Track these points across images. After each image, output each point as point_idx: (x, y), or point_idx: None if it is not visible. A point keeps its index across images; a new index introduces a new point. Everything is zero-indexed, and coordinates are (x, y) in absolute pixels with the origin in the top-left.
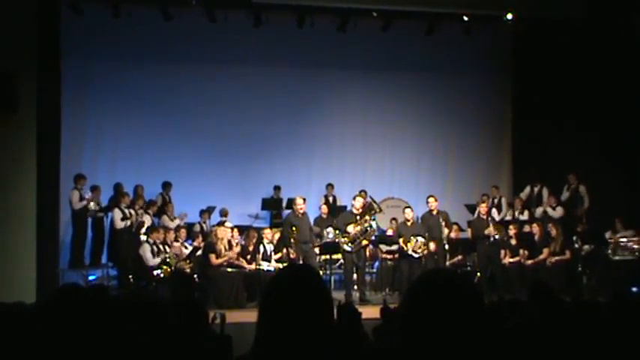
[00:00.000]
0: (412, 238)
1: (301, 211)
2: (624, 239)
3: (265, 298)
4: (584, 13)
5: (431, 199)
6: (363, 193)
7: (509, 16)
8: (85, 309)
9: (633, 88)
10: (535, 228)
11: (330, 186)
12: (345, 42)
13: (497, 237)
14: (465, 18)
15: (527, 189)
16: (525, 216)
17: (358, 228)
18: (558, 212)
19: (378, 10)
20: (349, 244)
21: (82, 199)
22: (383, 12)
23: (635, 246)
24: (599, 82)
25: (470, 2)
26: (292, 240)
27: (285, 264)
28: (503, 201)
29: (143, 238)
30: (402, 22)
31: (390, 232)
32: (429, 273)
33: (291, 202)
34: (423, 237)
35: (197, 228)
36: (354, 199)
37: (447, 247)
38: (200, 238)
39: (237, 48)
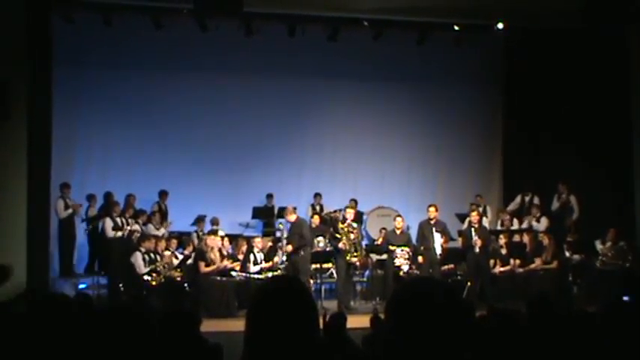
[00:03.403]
0: (398, 251)
1: (291, 220)
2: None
3: (252, 309)
4: (574, 23)
5: (431, 208)
6: (352, 202)
7: (500, 25)
8: (68, 319)
9: (624, 98)
10: (526, 237)
11: (318, 195)
12: (337, 51)
13: (479, 247)
14: (456, 28)
15: (518, 198)
16: (516, 225)
17: (345, 239)
18: (543, 224)
19: (369, 19)
20: (355, 256)
21: (67, 207)
22: (374, 21)
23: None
24: (590, 93)
25: (461, 12)
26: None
27: (274, 273)
28: (488, 209)
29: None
30: (393, 31)
31: (379, 242)
32: (409, 283)
33: (283, 211)
34: (408, 246)
35: (194, 237)
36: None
37: (438, 255)
38: (191, 247)
39: (229, 57)
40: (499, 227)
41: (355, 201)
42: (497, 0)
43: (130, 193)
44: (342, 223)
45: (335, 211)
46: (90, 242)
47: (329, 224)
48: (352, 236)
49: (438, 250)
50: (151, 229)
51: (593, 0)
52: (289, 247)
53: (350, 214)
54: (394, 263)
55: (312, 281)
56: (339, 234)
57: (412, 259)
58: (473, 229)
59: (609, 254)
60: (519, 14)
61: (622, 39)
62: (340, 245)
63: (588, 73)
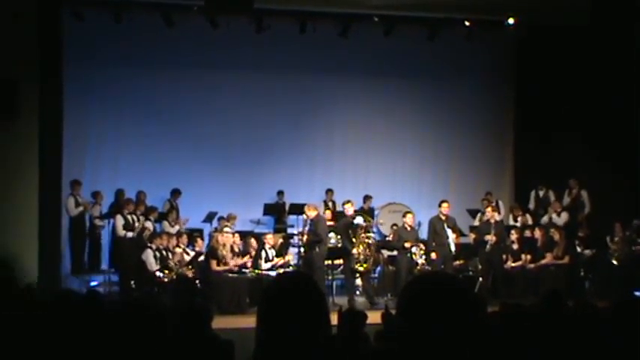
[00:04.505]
0: (415, 249)
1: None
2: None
3: (262, 306)
4: (586, 19)
5: (445, 204)
6: (369, 199)
7: (511, 21)
8: (79, 316)
9: (634, 94)
10: (537, 233)
11: (329, 191)
12: (347, 47)
13: (493, 242)
14: (467, 23)
15: (533, 194)
16: (529, 221)
17: (360, 248)
18: (563, 218)
19: (380, 15)
20: (362, 266)
21: (77, 205)
22: (384, 17)
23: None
24: (601, 89)
25: (471, 8)
26: None
27: (287, 269)
28: (501, 203)
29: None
30: (404, 27)
31: (390, 238)
32: (420, 278)
33: (294, 208)
34: (423, 243)
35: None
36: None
37: (453, 251)
38: (202, 244)
39: (239, 54)
40: (511, 223)
41: (370, 197)
42: None
43: (140, 190)
44: (365, 232)
45: (358, 215)
46: (91, 242)
47: (351, 227)
48: (368, 251)
49: (452, 246)
50: (166, 226)
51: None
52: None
53: (349, 210)
54: (411, 259)
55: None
56: (356, 239)
57: (426, 256)
58: (491, 225)
59: (621, 247)
60: (529, 10)
61: (631, 36)
62: (354, 251)
63: (599, 68)
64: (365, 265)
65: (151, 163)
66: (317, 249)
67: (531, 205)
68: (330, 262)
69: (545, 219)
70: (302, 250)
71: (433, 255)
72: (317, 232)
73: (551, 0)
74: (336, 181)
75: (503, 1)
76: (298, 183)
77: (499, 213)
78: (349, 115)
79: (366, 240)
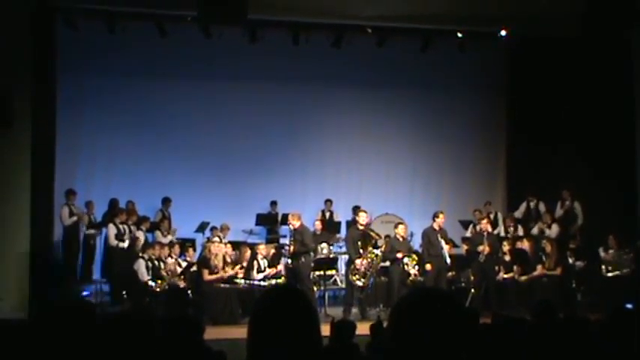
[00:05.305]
0: (408, 260)
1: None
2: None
3: (252, 320)
4: (578, 30)
5: (441, 215)
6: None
7: (503, 32)
8: (74, 325)
9: (627, 106)
10: (525, 244)
11: (328, 202)
12: (340, 58)
13: (487, 254)
14: (459, 35)
15: (524, 205)
16: (520, 232)
17: (365, 262)
18: (554, 231)
19: (373, 26)
20: (361, 280)
21: (72, 214)
22: (377, 28)
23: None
24: (594, 99)
25: (463, 19)
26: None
27: (279, 280)
28: (500, 215)
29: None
30: (397, 38)
31: (383, 249)
32: (412, 292)
33: (286, 218)
34: (415, 254)
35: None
36: (358, 214)
37: (448, 261)
38: (193, 254)
39: (233, 64)
40: (502, 234)
41: (358, 207)
42: (499, 7)
43: (129, 200)
44: (374, 247)
45: (375, 233)
46: (84, 251)
47: (361, 239)
48: (371, 266)
49: (447, 258)
50: (158, 235)
51: (595, 6)
52: (291, 249)
53: (362, 218)
54: (403, 270)
55: (315, 288)
56: (363, 250)
57: (419, 267)
58: (484, 236)
59: (614, 262)
60: (521, 21)
61: (625, 45)
62: (357, 262)
63: (591, 79)
64: (364, 280)
65: (144, 173)
66: (303, 259)
67: (517, 214)
68: (322, 272)
69: (534, 230)
70: (288, 260)
71: (428, 266)
72: (304, 242)
73: (543, 12)
74: (329, 192)
75: (495, 12)
76: (292, 193)
77: (496, 226)
78: (342, 126)
79: (372, 256)
